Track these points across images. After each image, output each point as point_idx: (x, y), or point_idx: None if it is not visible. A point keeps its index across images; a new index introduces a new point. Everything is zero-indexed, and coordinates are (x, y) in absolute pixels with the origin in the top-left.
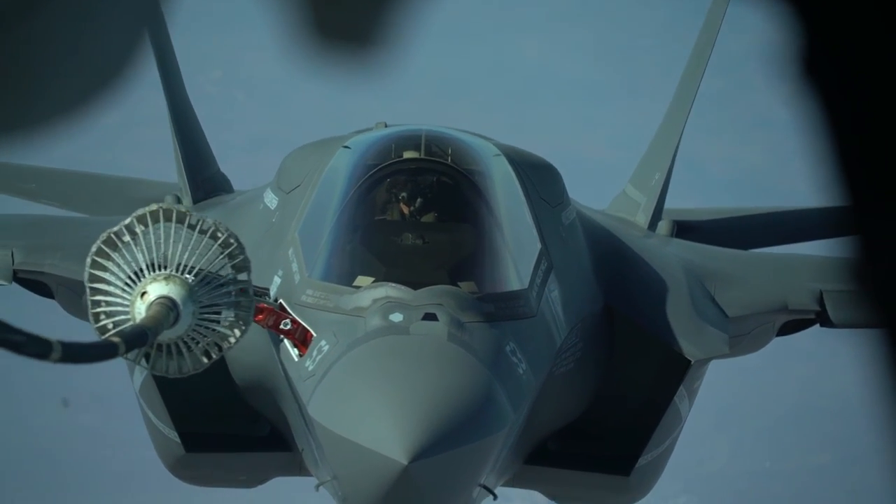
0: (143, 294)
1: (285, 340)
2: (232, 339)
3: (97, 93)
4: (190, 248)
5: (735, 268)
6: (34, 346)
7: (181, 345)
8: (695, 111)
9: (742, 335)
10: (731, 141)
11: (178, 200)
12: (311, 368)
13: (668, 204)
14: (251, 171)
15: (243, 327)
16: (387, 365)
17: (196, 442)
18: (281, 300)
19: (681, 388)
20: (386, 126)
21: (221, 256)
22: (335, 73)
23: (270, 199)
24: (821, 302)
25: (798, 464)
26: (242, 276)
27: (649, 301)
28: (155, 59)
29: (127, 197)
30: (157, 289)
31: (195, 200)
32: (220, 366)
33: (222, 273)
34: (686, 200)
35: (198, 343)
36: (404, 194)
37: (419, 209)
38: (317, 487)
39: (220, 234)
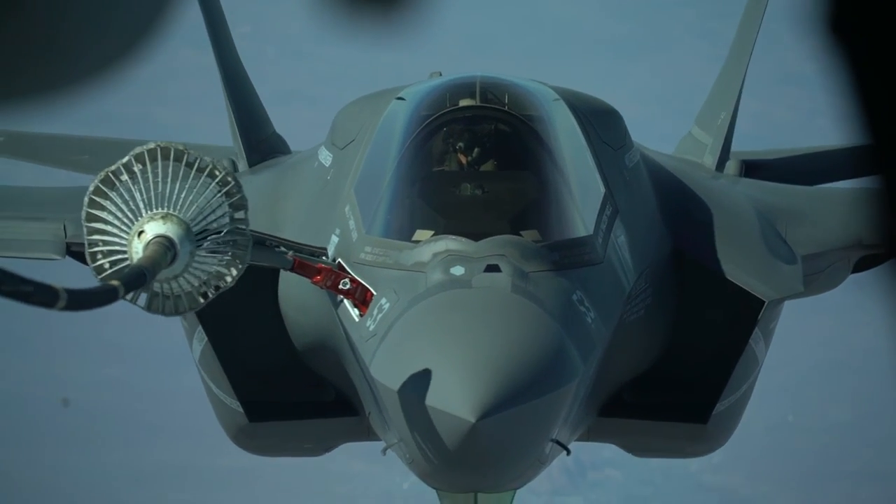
0: (140, 233)
1: (345, 301)
2: (229, 279)
3: (130, 49)
4: (188, 186)
5: (806, 204)
6: (42, 295)
7: (178, 284)
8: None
9: (817, 273)
10: (760, 97)
11: (234, 164)
12: (372, 328)
13: (735, 148)
14: (281, 122)
15: (240, 266)
16: (449, 320)
17: (259, 410)
18: (340, 259)
19: (756, 330)
20: (440, 76)
21: (219, 195)
22: (363, 32)
23: (325, 157)
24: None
25: (820, 419)
26: (240, 215)
27: (719, 242)
28: (205, 22)
29: None
30: (154, 228)
31: (251, 163)
32: (280, 330)
33: (220, 211)
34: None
35: (194, 283)
36: (461, 144)
37: (477, 158)
38: (384, 451)
39: (217, 173)
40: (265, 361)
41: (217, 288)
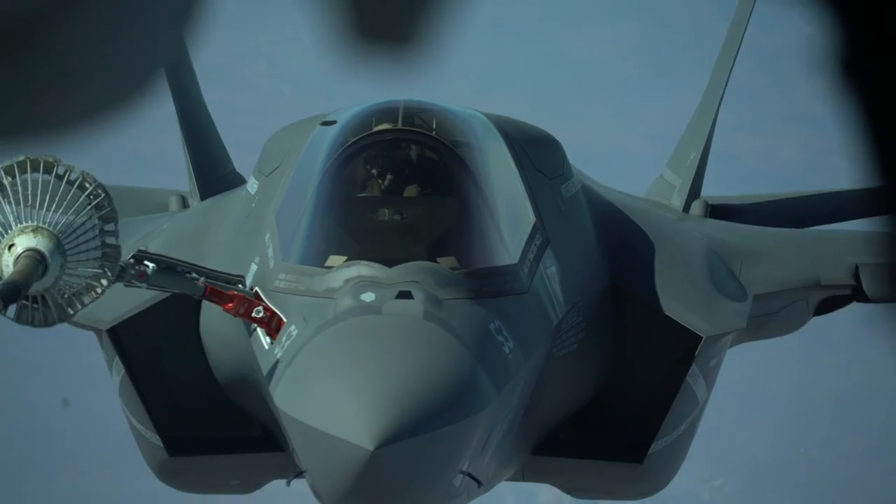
0: (10, 246)
1: (258, 329)
2: (98, 290)
3: (133, 94)
4: (57, 199)
5: (766, 244)
6: None
7: (49, 296)
8: (732, 106)
9: (771, 313)
10: (769, 136)
11: (185, 202)
12: (279, 355)
13: (709, 192)
14: None
15: (110, 277)
16: (354, 347)
17: (181, 445)
18: (257, 288)
19: (693, 366)
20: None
21: (89, 207)
22: (375, 71)
23: (251, 185)
24: (856, 276)
25: (835, 449)
26: (109, 227)
27: (659, 277)
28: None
29: (137, 203)
30: (24, 241)
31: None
32: (203, 363)
33: (89, 224)
34: (723, 190)
35: (64, 294)
36: (381, 168)
37: (398, 184)
38: (288, 482)
39: (87, 185)
40: (187, 395)
41: (86, 300)
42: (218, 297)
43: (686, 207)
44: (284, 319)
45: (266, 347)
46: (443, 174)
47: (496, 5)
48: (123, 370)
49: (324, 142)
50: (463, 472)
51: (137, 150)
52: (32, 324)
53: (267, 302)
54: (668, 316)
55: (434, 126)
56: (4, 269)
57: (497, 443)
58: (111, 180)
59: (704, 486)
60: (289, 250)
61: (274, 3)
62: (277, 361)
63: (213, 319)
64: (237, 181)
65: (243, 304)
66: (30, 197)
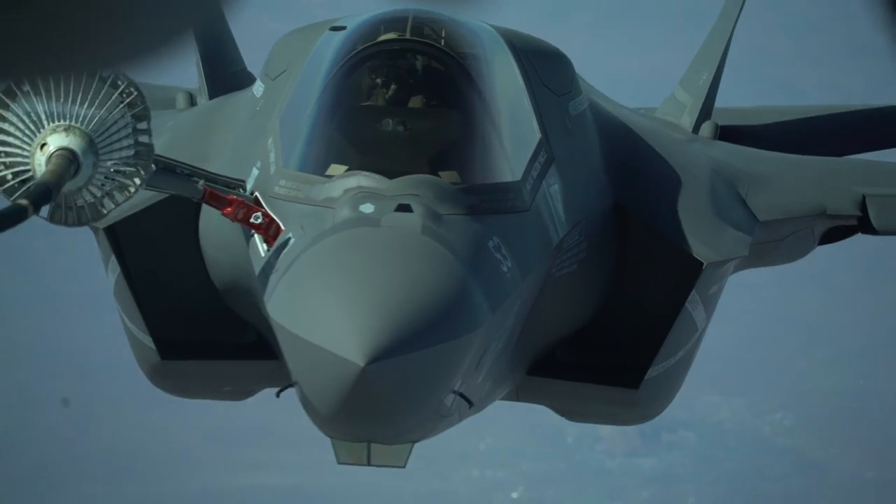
0: (42, 145)
1: (256, 235)
2: (132, 189)
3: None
4: (90, 97)
5: (774, 170)
6: None
7: (81, 196)
8: (794, 37)
9: (776, 241)
10: (830, 67)
11: (192, 99)
12: (275, 263)
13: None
14: None
15: (143, 176)
16: (350, 259)
17: (173, 349)
18: (257, 193)
19: (693, 293)
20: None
21: (122, 105)
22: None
23: (258, 88)
24: (863, 207)
25: (891, 383)
26: (142, 126)
27: (664, 200)
28: None
29: None
30: (56, 140)
31: (212, 98)
32: (200, 268)
33: (122, 122)
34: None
35: (97, 194)
36: (387, 77)
37: (403, 94)
38: (277, 394)
39: (120, 83)
40: (182, 297)
41: (120, 199)
42: (217, 200)
43: (696, 128)
44: (282, 227)
45: (262, 254)
46: (449, 86)
47: None
48: (119, 269)
49: (331, 48)
50: (455, 392)
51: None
52: (66, 223)
53: (266, 208)
54: (670, 240)
55: (443, 37)
56: (37, 167)
57: (491, 362)
58: None
59: (765, 420)
60: (290, 156)
61: None
62: (273, 269)
63: (212, 223)
64: (247, 80)
65: (242, 209)
66: (62, 94)
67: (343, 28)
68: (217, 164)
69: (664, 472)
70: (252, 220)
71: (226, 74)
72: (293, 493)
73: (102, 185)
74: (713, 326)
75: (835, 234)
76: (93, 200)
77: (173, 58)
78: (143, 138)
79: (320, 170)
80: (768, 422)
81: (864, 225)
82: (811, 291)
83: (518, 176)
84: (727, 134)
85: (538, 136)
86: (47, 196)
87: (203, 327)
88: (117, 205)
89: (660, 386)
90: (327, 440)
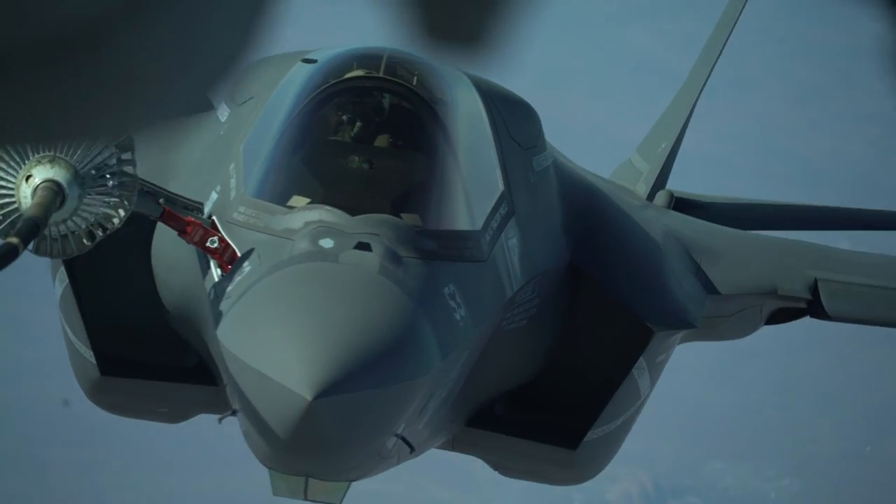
0: (27, 177)
1: (211, 260)
2: (116, 220)
3: (201, 97)
4: None
5: (727, 245)
6: None
7: (66, 227)
8: (799, 105)
9: (724, 316)
10: (835, 135)
11: None
12: (229, 290)
13: (679, 186)
14: None
15: (128, 206)
16: (305, 292)
17: (113, 366)
18: (215, 217)
19: (641, 360)
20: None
21: None
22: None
23: (222, 112)
24: (814, 291)
25: None
26: (126, 156)
27: (619, 264)
28: None
29: None
30: (42, 172)
31: None
32: (149, 287)
33: (106, 153)
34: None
35: (82, 225)
36: (356, 114)
37: (371, 132)
38: (219, 420)
39: None
40: (127, 316)
41: (105, 230)
42: (174, 220)
43: (650, 196)
44: (238, 253)
45: (216, 279)
46: (417, 129)
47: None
48: (67, 280)
49: (301, 79)
50: (397, 435)
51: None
52: (51, 255)
53: (223, 233)
54: (622, 304)
55: (415, 78)
56: (23, 200)
57: (434, 409)
58: None
59: (771, 485)
60: (252, 184)
61: (342, 3)
62: (225, 295)
63: (166, 243)
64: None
65: (198, 232)
66: None
67: (315, 61)
68: (175, 184)
69: None
70: (208, 244)
71: None
72: None
73: (87, 216)
74: (719, 390)
75: (782, 316)
76: (77, 231)
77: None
78: (128, 168)
79: (282, 200)
80: (774, 487)
81: (813, 309)
82: (817, 358)
83: (478, 226)
84: (680, 204)
85: (501, 187)
86: (35, 231)
87: (145, 347)
88: (103, 236)
89: (598, 449)
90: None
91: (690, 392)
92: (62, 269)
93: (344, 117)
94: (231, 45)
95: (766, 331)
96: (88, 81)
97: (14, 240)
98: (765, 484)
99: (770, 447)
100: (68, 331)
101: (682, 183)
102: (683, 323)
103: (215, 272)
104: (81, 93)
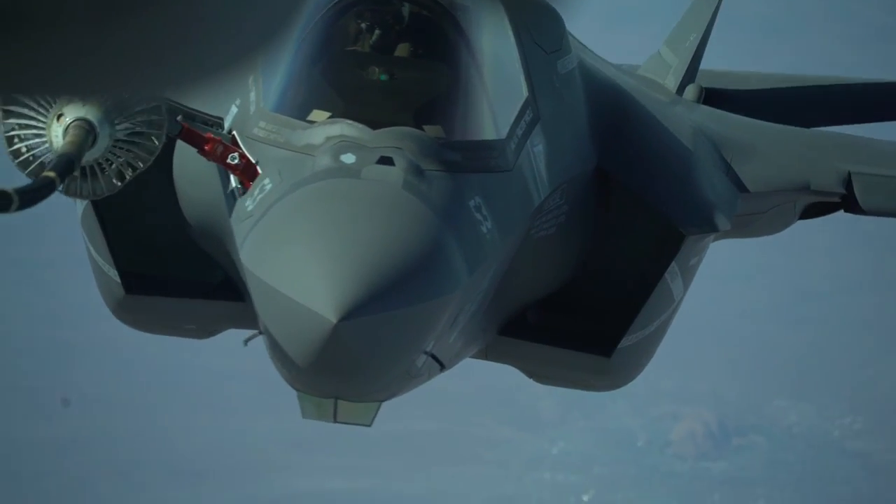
0: (59, 116)
1: (231, 175)
2: (146, 159)
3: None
4: None
5: (759, 140)
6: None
7: (96, 166)
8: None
9: (757, 213)
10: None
11: None
12: (250, 209)
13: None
14: None
15: (157, 145)
16: (327, 210)
17: (138, 283)
18: (235, 132)
19: (673, 264)
20: None
21: None
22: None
23: None
24: (848, 185)
25: None
26: None
27: (649, 166)
28: None
29: None
30: (73, 111)
31: None
32: (171, 203)
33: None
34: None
35: (112, 164)
36: (375, 24)
37: (391, 42)
38: (245, 342)
39: None
40: (151, 232)
41: (134, 169)
42: (193, 137)
43: (680, 89)
44: (259, 170)
45: (237, 197)
46: (438, 37)
47: None
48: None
49: None
50: (426, 353)
51: None
52: (80, 195)
53: (243, 149)
54: (652, 208)
55: None
56: (54, 139)
57: (464, 323)
58: None
59: (834, 424)
60: (271, 97)
61: None
62: (248, 215)
63: (187, 157)
64: None
65: (219, 148)
66: None
67: None
68: (193, 100)
69: (734, 476)
70: (229, 160)
71: None
72: (370, 496)
73: (117, 155)
74: (783, 330)
75: (816, 210)
76: (107, 171)
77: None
78: (158, 106)
79: (302, 114)
80: (837, 426)
81: (847, 203)
82: (880, 297)
83: (503, 134)
84: (711, 97)
85: (525, 94)
86: (70, 167)
87: (170, 263)
88: (133, 175)
89: (632, 355)
90: (393, 438)
91: (754, 332)
92: None
93: (363, 27)
94: (278, 13)
95: (829, 270)
96: (137, 37)
97: (51, 174)
98: (828, 422)
99: (833, 386)
100: (91, 249)
101: (711, 74)
102: (714, 225)
103: (236, 189)
104: (129, 48)
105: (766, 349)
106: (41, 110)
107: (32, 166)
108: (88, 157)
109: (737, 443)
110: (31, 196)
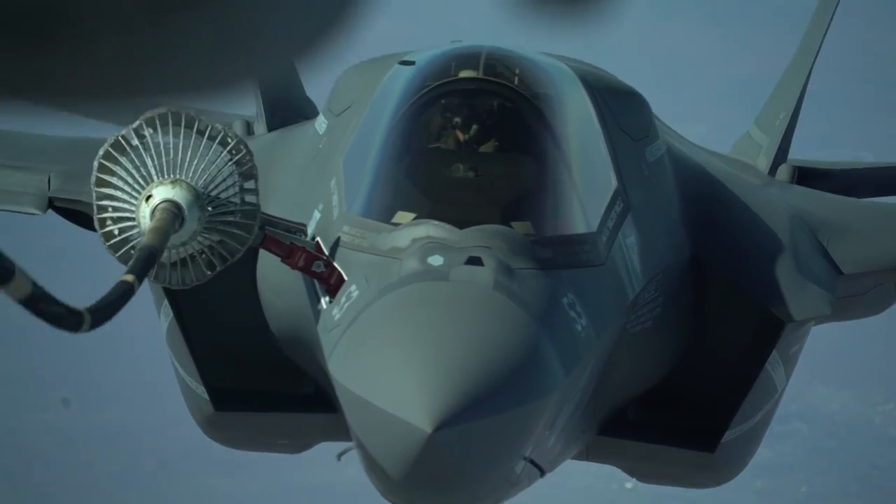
0: (148, 198)
1: (316, 283)
2: (237, 250)
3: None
4: (199, 153)
5: (854, 219)
6: (70, 319)
7: (185, 251)
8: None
9: (856, 295)
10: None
11: (249, 127)
12: (337, 317)
13: (801, 155)
14: None
15: (249, 236)
16: (417, 315)
17: (228, 399)
18: (318, 238)
19: (774, 353)
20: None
21: (229, 163)
22: (548, 23)
23: (320, 123)
24: None
25: None
26: (249, 185)
27: (745, 253)
28: None
29: None
30: (162, 192)
31: (270, 127)
32: (257, 313)
33: (230, 180)
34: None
35: (202, 252)
36: (458, 119)
37: (475, 137)
38: (338, 456)
39: (229, 140)
40: (238, 345)
41: (224, 260)
42: (276, 246)
43: (772, 170)
44: (345, 276)
45: (324, 305)
46: (522, 130)
47: None
48: (171, 314)
49: (399, 84)
50: (525, 459)
51: None
52: (169, 283)
53: (328, 256)
54: (750, 296)
55: (517, 76)
56: (141, 219)
57: (562, 425)
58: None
59: (877, 410)
60: (355, 201)
61: None
62: (335, 323)
63: (270, 266)
64: (307, 107)
65: (303, 257)
66: (171, 150)
67: (412, 63)
68: (276, 205)
69: (776, 462)
70: (313, 268)
71: (284, 101)
72: None
73: (207, 243)
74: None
75: None
76: (197, 259)
77: (233, 97)
78: (250, 198)
79: (386, 216)
80: (880, 412)
81: None
82: None
83: (593, 227)
84: (805, 176)
85: (614, 184)
86: (152, 261)
87: (258, 375)
88: (222, 266)
89: (736, 448)
90: None
91: None
92: (166, 302)
93: (446, 122)
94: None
95: None
96: (187, 35)
97: (129, 277)
98: (870, 409)
99: (875, 373)
100: (178, 366)
101: (804, 149)
102: (815, 311)
103: (323, 297)
104: (180, 47)
105: (809, 337)
106: (133, 192)
107: (123, 250)
108: (176, 241)
109: (779, 430)
110: (105, 311)
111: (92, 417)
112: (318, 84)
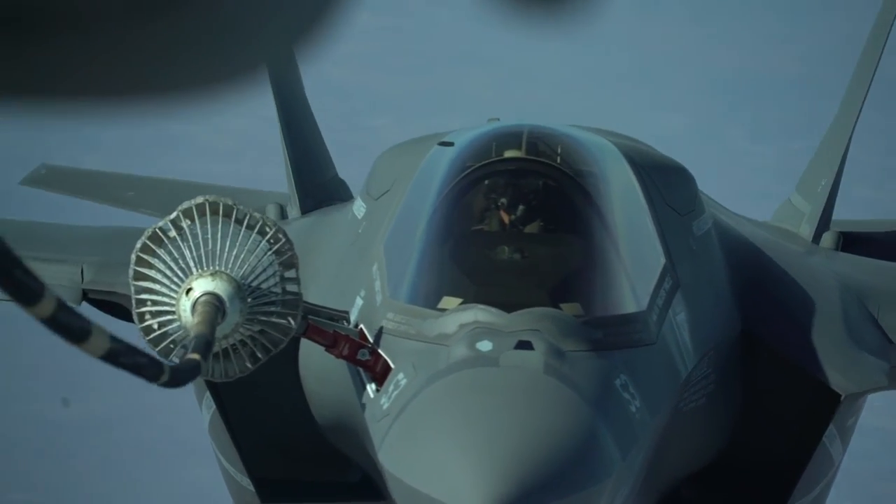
0: (188, 291)
1: (363, 373)
2: (280, 340)
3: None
4: (238, 244)
5: None
6: (151, 369)
7: (228, 344)
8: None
9: None
10: None
11: (283, 211)
12: (385, 407)
13: (843, 215)
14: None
15: (292, 325)
16: (468, 403)
17: (274, 490)
18: (362, 326)
19: (831, 426)
20: (497, 121)
21: (269, 253)
22: (528, 25)
23: (358, 207)
24: None
25: None
26: (290, 274)
27: (794, 325)
28: None
29: None
30: (202, 285)
31: (304, 210)
32: (301, 402)
33: (270, 270)
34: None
35: (245, 344)
36: (502, 200)
37: (520, 218)
38: None
39: (267, 230)
40: (282, 435)
41: (268, 350)
42: (320, 335)
43: (816, 237)
44: (391, 364)
45: (371, 394)
46: (568, 209)
47: None
48: (214, 406)
49: (440, 165)
50: None
51: (234, 147)
52: (212, 376)
53: (373, 344)
54: (804, 369)
55: (559, 154)
56: (182, 313)
57: None
58: (205, 179)
59: None
60: (398, 287)
61: None
62: (384, 413)
63: (313, 354)
64: (340, 189)
65: (346, 345)
66: (209, 241)
67: (451, 144)
68: (315, 291)
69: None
70: (358, 356)
71: (317, 183)
72: None
73: (249, 334)
74: None
75: None
76: (239, 351)
77: (238, 95)
78: (292, 287)
79: (432, 302)
80: None
81: None
82: None
83: (643, 306)
84: (850, 242)
85: (663, 260)
86: (210, 346)
87: (304, 466)
88: (265, 357)
89: None
90: None
91: None
92: (208, 394)
93: (489, 204)
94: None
95: None
96: (173, 28)
97: (195, 356)
98: None
99: None
100: (221, 458)
101: (847, 211)
102: (870, 382)
103: (369, 386)
104: (164, 40)
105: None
106: (173, 285)
107: (163, 344)
108: (217, 333)
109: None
110: (180, 376)
111: (78, 408)
112: (349, 164)
